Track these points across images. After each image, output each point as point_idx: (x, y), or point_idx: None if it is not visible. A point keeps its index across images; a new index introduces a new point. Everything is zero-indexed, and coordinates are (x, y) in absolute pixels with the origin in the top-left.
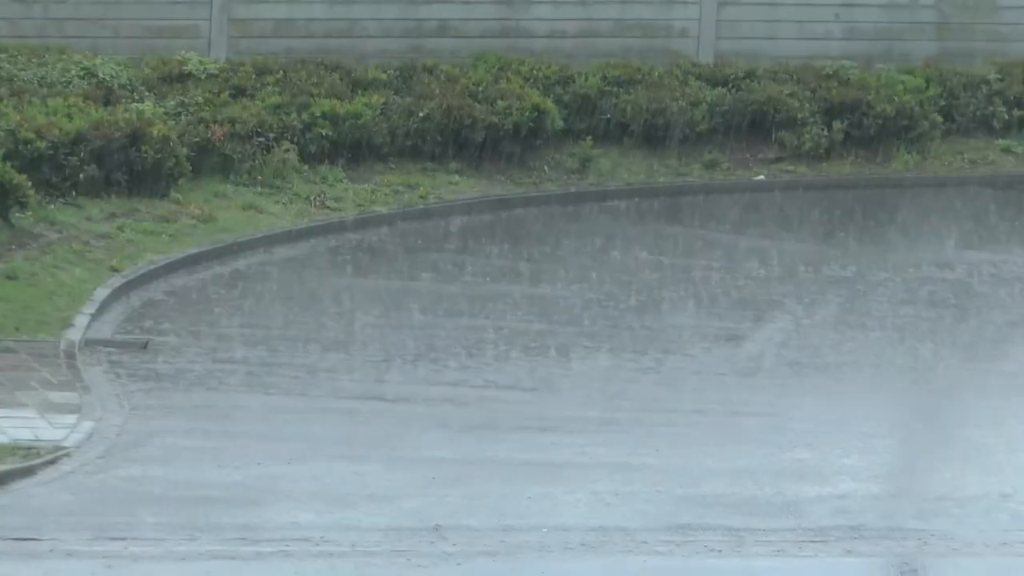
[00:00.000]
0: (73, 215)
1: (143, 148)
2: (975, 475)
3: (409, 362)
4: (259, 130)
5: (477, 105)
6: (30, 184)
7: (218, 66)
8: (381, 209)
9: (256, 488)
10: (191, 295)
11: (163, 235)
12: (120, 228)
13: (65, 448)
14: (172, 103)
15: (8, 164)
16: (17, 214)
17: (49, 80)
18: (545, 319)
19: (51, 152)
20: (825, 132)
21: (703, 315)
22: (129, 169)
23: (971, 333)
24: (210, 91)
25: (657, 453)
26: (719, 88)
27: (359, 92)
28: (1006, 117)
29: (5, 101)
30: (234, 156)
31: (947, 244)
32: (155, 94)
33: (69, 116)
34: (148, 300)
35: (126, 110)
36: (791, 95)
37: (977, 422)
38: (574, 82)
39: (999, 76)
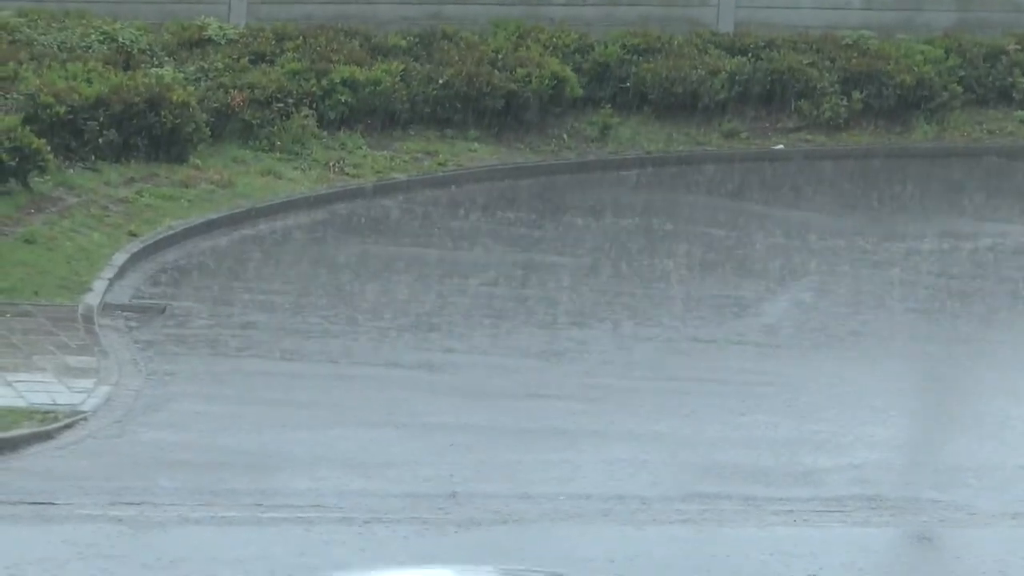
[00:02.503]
0: (92, 179)
1: (162, 113)
2: (992, 446)
3: (427, 329)
4: (278, 96)
5: (496, 72)
6: (49, 148)
7: (238, 32)
8: (400, 176)
9: (272, 454)
10: (209, 260)
11: (182, 200)
12: (139, 193)
13: (82, 412)
14: (192, 68)
15: (27, 128)
16: (36, 178)
17: (69, 45)
18: (563, 287)
19: (70, 117)
20: (844, 102)
21: (720, 284)
22: (148, 134)
23: (989, 304)
24: (230, 57)
25: (674, 422)
26: (738, 57)
27: (379, 59)
28: None
29: (25, 66)
30: (253, 122)
31: (965, 215)
32: (175, 59)
33: (88, 81)
34: (166, 265)
35: (146, 75)
36: (811, 64)
37: (995, 393)
38: (593, 50)
39: (1019, 47)
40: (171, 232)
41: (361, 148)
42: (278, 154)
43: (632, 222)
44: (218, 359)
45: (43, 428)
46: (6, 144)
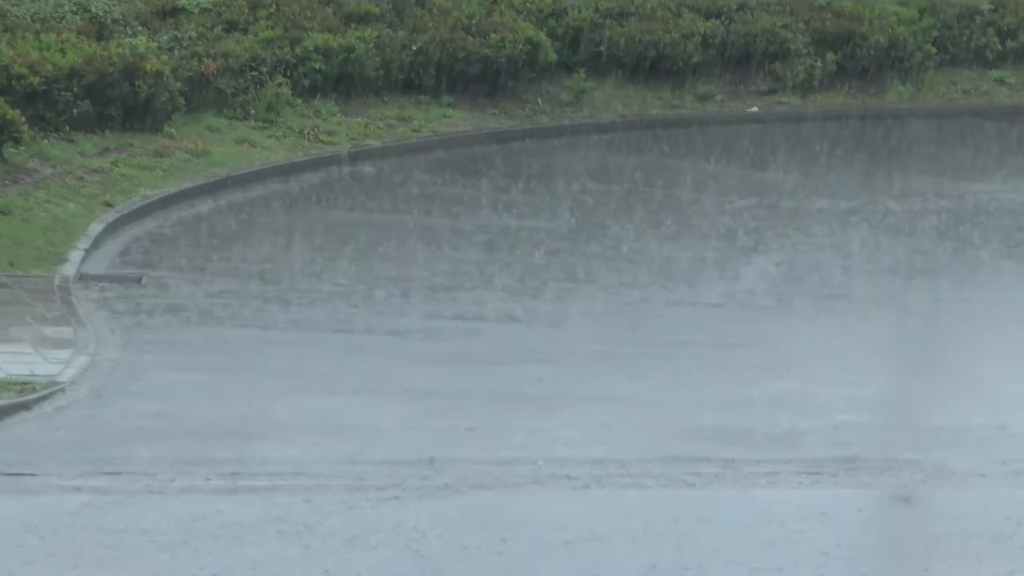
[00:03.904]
0: (67, 150)
1: (136, 83)
2: (970, 406)
3: (403, 295)
4: (252, 64)
5: (470, 38)
6: (24, 119)
7: (211, 0)
8: (374, 142)
9: (250, 422)
10: (185, 229)
11: (157, 170)
12: (114, 163)
13: (60, 383)
14: (165, 37)
15: (1, 99)
16: (11, 149)
17: (42, 15)
18: (538, 251)
19: (44, 87)
20: (818, 63)
21: (696, 247)
22: (123, 104)
23: (965, 264)
24: (203, 25)
25: (652, 384)
26: (712, 20)
27: (352, 26)
28: (999, 47)
29: None
30: (227, 90)
31: (940, 175)
32: (148, 28)
33: (62, 51)
34: (142, 235)
35: (119, 45)
36: (784, 27)
37: (972, 353)
38: (567, 15)
39: (992, 6)
40: (146, 202)
41: (335, 115)
42: (252, 122)
43: (607, 186)
44: (195, 328)
45: (21, 399)
46: None
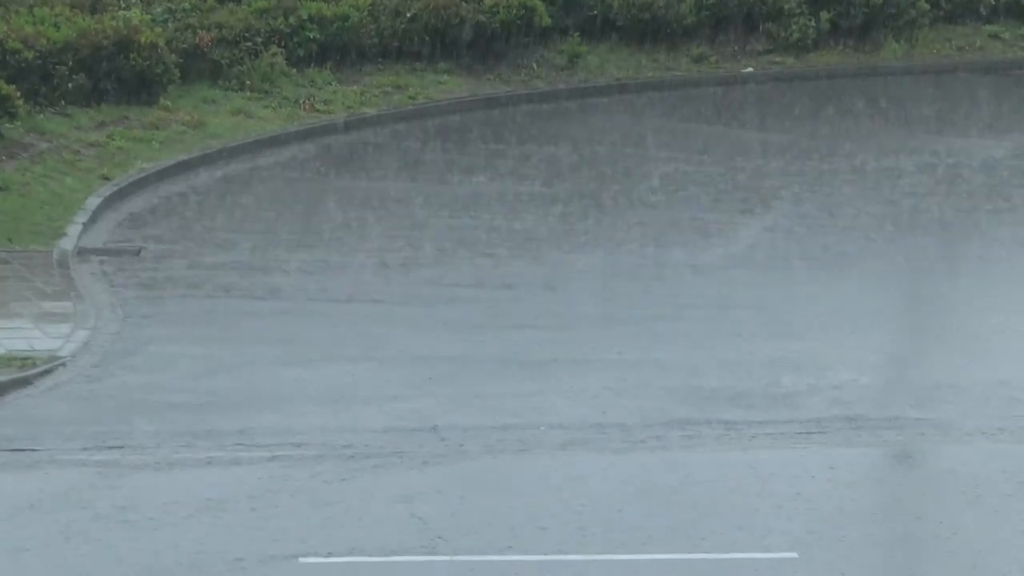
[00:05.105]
0: (63, 124)
1: (131, 56)
2: (970, 363)
3: (401, 263)
4: (246, 35)
5: (464, 4)
6: (19, 94)
7: None
8: (370, 111)
9: (252, 393)
10: (182, 201)
11: (153, 142)
12: (110, 136)
13: (60, 358)
14: (159, 9)
15: None
16: (7, 124)
17: None
18: (535, 217)
19: (39, 62)
20: (812, 23)
21: (693, 209)
22: (118, 77)
23: (963, 221)
24: None
25: (652, 348)
26: None
27: None
28: (992, 2)
29: None
30: (222, 61)
31: (937, 132)
32: (142, 1)
33: (56, 25)
34: (140, 208)
35: (113, 18)
36: None
37: (971, 310)
38: None
39: None
40: (143, 174)
41: (331, 84)
42: (248, 93)
43: (604, 150)
44: (194, 300)
45: (22, 374)
46: None
